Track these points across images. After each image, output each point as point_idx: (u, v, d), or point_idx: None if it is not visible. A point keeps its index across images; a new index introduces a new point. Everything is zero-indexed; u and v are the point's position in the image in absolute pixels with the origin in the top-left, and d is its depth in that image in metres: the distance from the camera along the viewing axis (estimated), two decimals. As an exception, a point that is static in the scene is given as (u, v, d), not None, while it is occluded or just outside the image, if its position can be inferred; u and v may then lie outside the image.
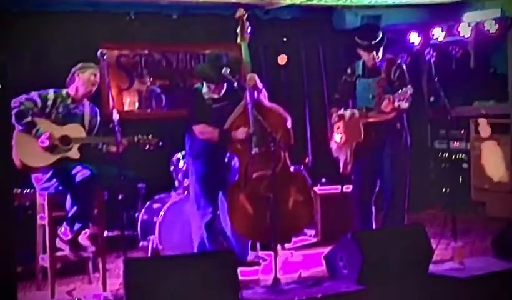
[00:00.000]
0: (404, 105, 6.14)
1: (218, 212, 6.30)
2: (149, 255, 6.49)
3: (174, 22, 8.04)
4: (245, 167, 6.03)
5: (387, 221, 6.43)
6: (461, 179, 8.62)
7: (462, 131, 8.64)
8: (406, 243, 5.42)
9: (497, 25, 7.86)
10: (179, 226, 6.58)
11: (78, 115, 5.93)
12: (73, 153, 5.77)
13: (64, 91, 5.91)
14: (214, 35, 8.00)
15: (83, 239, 5.68)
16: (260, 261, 6.37)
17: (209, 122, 6.09)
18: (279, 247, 6.24)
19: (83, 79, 5.87)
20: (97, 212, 5.81)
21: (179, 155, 6.90)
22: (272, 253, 5.47)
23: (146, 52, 8.07)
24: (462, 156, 8.70)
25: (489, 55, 8.67)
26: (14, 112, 5.57)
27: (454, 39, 8.41)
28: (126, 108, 7.94)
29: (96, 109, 6.07)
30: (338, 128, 6.50)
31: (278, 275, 5.41)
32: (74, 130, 5.81)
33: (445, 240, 6.43)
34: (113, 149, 5.74)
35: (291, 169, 6.20)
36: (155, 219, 6.61)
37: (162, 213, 6.56)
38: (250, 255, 6.42)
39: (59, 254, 5.75)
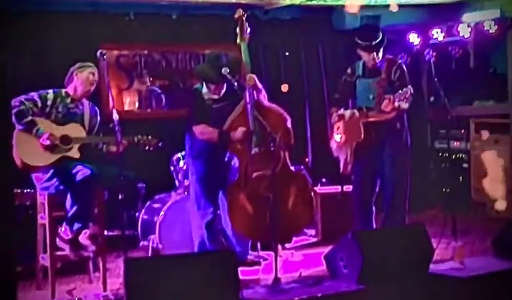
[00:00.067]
0: (405, 105, 6.15)
1: (219, 212, 6.30)
2: (149, 254, 6.49)
3: (174, 22, 8.04)
4: (245, 167, 6.03)
5: (387, 221, 6.44)
6: (461, 178, 8.62)
7: (463, 131, 8.64)
8: (407, 243, 5.42)
9: (496, 26, 7.87)
10: (179, 226, 6.58)
11: (78, 115, 5.93)
12: (74, 153, 5.77)
13: (63, 91, 5.91)
14: (214, 35, 8.00)
15: (83, 239, 5.67)
16: (261, 261, 6.37)
17: (209, 122, 6.09)
18: (279, 246, 6.24)
19: (81, 78, 5.87)
20: (98, 211, 5.81)
21: (179, 155, 6.90)
22: (272, 253, 5.48)
23: (146, 52, 8.07)
24: (463, 156, 8.71)
25: (489, 55, 8.66)
26: (14, 111, 5.57)
27: (454, 39, 8.42)
28: (126, 108, 7.94)
29: (96, 108, 6.07)
30: (338, 128, 6.51)
31: (279, 275, 5.41)
32: (74, 130, 5.81)
33: (445, 239, 6.43)
34: (113, 148, 5.74)
35: (291, 168, 6.20)
36: (155, 218, 6.61)
37: (162, 213, 6.56)
38: (251, 255, 6.42)
39: (59, 253, 5.75)
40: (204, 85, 6.20)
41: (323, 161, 7.76)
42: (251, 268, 6.19)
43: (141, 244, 6.74)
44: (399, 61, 6.59)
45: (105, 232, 5.91)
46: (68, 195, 5.67)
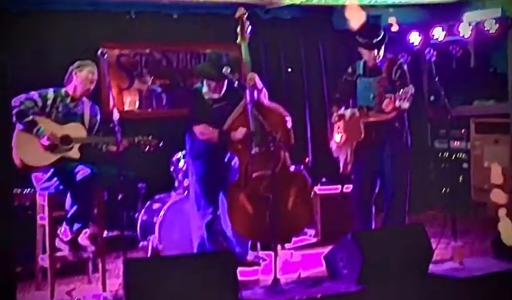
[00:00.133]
0: (405, 104, 6.12)
1: (219, 212, 6.30)
2: (149, 255, 6.48)
3: (174, 22, 8.03)
4: (245, 167, 6.03)
5: (387, 221, 6.43)
6: (461, 178, 8.61)
7: (463, 131, 8.63)
8: (406, 243, 5.42)
9: (497, 25, 7.85)
10: (179, 226, 6.58)
11: (78, 114, 5.93)
12: (74, 153, 5.77)
13: (63, 90, 5.91)
14: (214, 34, 7.99)
15: (83, 239, 5.68)
16: (260, 261, 6.36)
17: (209, 122, 6.09)
18: (279, 247, 6.24)
19: (81, 77, 5.87)
20: (97, 212, 5.82)
21: (179, 155, 6.90)
22: (272, 253, 5.48)
23: (146, 51, 8.06)
24: (463, 156, 8.70)
25: (489, 54, 8.66)
26: (14, 111, 5.57)
27: (455, 39, 8.40)
28: (126, 107, 7.93)
29: (96, 108, 6.07)
30: (339, 128, 6.50)
31: (278, 276, 5.41)
32: (75, 130, 5.81)
33: (445, 240, 6.42)
34: (113, 148, 5.74)
35: (291, 168, 6.20)
36: (155, 219, 6.61)
37: (161, 213, 6.55)
38: (250, 255, 6.42)
39: (58, 254, 5.75)
40: (204, 84, 6.19)
41: (323, 161, 7.74)
42: (251, 268, 6.18)
43: (140, 244, 6.74)
44: (400, 60, 6.57)
45: (105, 233, 5.92)
46: (68, 195, 5.68)
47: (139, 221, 6.83)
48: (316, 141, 8.40)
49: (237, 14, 6.18)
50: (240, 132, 5.99)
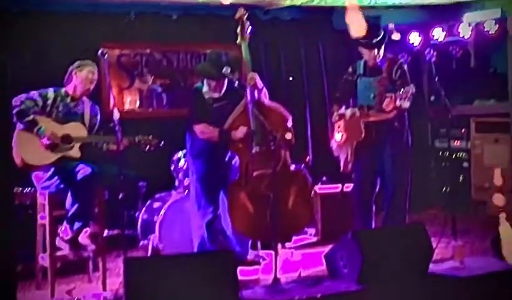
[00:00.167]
0: (406, 104, 6.13)
1: (219, 211, 6.30)
2: (149, 254, 6.49)
3: (174, 23, 8.04)
4: (245, 166, 6.03)
5: (388, 221, 6.44)
6: (461, 178, 8.61)
7: (463, 130, 8.64)
8: (406, 242, 5.41)
9: (497, 26, 7.86)
10: (179, 225, 6.58)
11: (79, 114, 5.93)
12: (75, 152, 5.77)
13: (63, 90, 5.92)
14: (214, 35, 7.99)
15: (83, 238, 5.68)
16: (260, 260, 6.36)
17: (210, 121, 6.09)
18: (279, 246, 6.24)
19: (80, 77, 5.87)
20: (98, 211, 5.82)
21: (180, 154, 6.90)
22: (272, 252, 5.48)
23: (147, 51, 8.07)
24: (463, 155, 8.71)
25: (489, 55, 8.67)
26: (15, 111, 5.58)
27: (455, 39, 8.41)
28: (127, 107, 7.94)
29: (96, 108, 6.08)
30: (339, 127, 6.51)
31: (278, 275, 5.41)
32: (75, 129, 5.82)
33: (445, 239, 6.42)
34: (113, 147, 5.74)
35: (292, 167, 6.21)
36: (155, 218, 6.61)
37: (162, 212, 6.55)
38: (251, 254, 6.42)
39: (59, 253, 5.75)
40: (205, 83, 6.20)
41: (323, 160, 7.74)
42: (251, 268, 6.18)
43: (141, 243, 6.74)
44: (401, 60, 6.58)
45: (105, 232, 5.91)
46: (69, 194, 5.68)
47: (139, 220, 6.84)
48: (317, 140, 8.40)
49: (237, 15, 6.18)
50: (240, 131, 6.00)
